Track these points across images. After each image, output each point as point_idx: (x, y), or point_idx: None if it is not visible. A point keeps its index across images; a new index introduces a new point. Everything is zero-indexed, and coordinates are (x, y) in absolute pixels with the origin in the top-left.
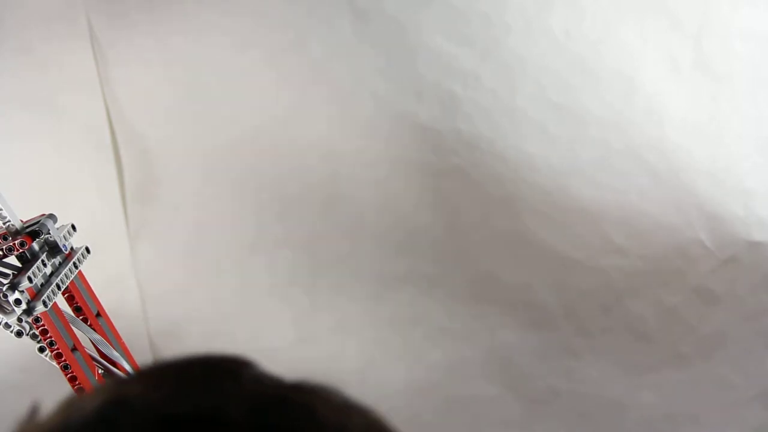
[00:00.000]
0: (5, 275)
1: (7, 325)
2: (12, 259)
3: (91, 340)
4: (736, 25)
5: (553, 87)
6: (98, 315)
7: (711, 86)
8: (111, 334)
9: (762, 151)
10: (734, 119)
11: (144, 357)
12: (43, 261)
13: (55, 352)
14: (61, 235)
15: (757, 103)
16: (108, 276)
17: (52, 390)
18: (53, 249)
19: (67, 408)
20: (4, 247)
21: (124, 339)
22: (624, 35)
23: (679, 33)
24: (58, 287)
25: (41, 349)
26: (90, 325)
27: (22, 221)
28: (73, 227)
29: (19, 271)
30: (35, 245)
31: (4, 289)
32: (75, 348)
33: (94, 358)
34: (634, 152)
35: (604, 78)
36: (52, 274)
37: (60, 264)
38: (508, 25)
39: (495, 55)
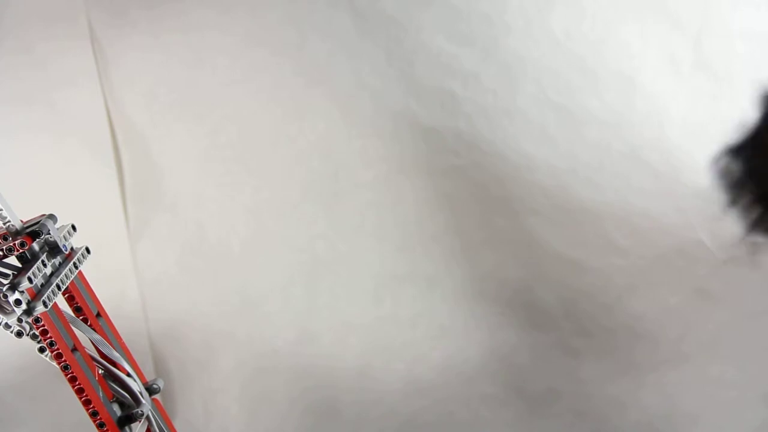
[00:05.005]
0: (5, 275)
1: (7, 326)
2: (12, 260)
3: (91, 340)
4: (736, 25)
5: (553, 87)
6: (98, 315)
7: (711, 86)
8: (111, 334)
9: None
10: (734, 119)
11: (144, 357)
12: (43, 261)
13: (55, 352)
14: (61, 235)
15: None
16: (108, 276)
17: (52, 390)
18: (53, 249)
19: None
20: (4, 247)
21: (124, 339)
22: (624, 35)
23: (679, 33)
24: (58, 287)
25: (41, 350)
26: (90, 326)
27: (22, 221)
28: (73, 227)
29: (19, 272)
30: (35, 245)
31: (4, 289)
32: (75, 348)
33: (94, 358)
34: (634, 152)
35: (604, 78)
36: (52, 274)
37: (60, 264)
38: (508, 25)
39: (495, 55)
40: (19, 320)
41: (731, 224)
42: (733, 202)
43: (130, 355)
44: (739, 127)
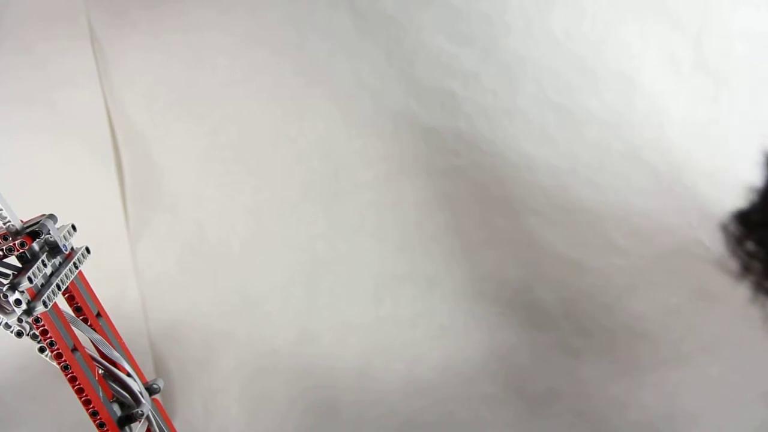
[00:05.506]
0: (5, 275)
1: (7, 326)
2: (12, 260)
3: (91, 340)
4: (736, 25)
5: (553, 87)
6: (98, 315)
7: (711, 86)
8: (111, 334)
9: (762, 151)
10: (734, 119)
11: (144, 357)
12: (43, 261)
13: (55, 352)
14: (61, 235)
15: (757, 103)
16: (108, 276)
17: (52, 390)
18: (53, 249)
19: None
20: (4, 247)
21: (124, 339)
22: (624, 35)
23: (679, 33)
24: (59, 287)
25: (41, 350)
26: (90, 325)
27: (22, 221)
28: (73, 227)
29: (19, 272)
30: (35, 245)
31: (4, 289)
32: (75, 348)
33: (94, 358)
34: (634, 152)
35: (604, 78)
36: (52, 274)
37: (60, 264)
38: (508, 25)
39: (495, 55)
40: (19, 320)
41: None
42: (746, 270)
43: (130, 355)
44: (746, 191)
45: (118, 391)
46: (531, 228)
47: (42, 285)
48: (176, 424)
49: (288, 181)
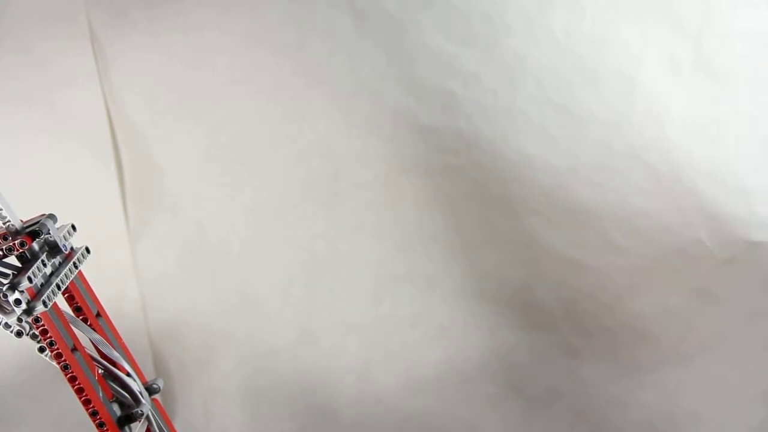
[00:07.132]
0: (5, 275)
1: (7, 325)
2: (12, 259)
3: (91, 340)
4: (736, 25)
5: (553, 87)
6: (98, 315)
7: (711, 86)
8: (111, 334)
9: (762, 151)
10: (734, 119)
11: (144, 357)
12: (43, 261)
13: (55, 352)
14: (61, 235)
15: (757, 103)
16: (108, 276)
17: (52, 390)
18: (53, 249)
19: None
20: (4, 247)
21: (124, 339)
22: (624, 35)
23: (679, 33)
24: (58, 287)
25: (41, 349)
26: (90, 325)
27: (22, 221)
28: (73, 227)
29: (19, 271)
30: (35, 245)
31: (4, 289)
32: (75, 348)
33: (94, 358)
34: (634, 152)
35: (604, 78)
36: (52, 274)
37: (60, 264)
38: (508, 25)
39: (495, 55)
40: (19, 320)
41: (731, 224)
42: None
43: (130, 354)
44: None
45: (118, 391)
46: (531, 228)
47: (42, 285)
48: (176, 424)
49: (288, 181)
